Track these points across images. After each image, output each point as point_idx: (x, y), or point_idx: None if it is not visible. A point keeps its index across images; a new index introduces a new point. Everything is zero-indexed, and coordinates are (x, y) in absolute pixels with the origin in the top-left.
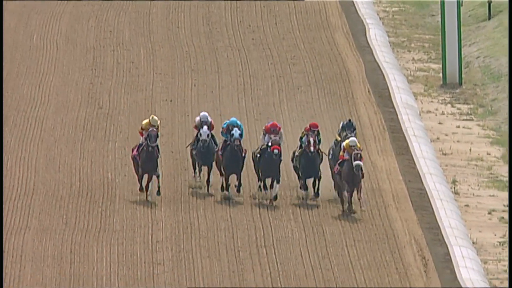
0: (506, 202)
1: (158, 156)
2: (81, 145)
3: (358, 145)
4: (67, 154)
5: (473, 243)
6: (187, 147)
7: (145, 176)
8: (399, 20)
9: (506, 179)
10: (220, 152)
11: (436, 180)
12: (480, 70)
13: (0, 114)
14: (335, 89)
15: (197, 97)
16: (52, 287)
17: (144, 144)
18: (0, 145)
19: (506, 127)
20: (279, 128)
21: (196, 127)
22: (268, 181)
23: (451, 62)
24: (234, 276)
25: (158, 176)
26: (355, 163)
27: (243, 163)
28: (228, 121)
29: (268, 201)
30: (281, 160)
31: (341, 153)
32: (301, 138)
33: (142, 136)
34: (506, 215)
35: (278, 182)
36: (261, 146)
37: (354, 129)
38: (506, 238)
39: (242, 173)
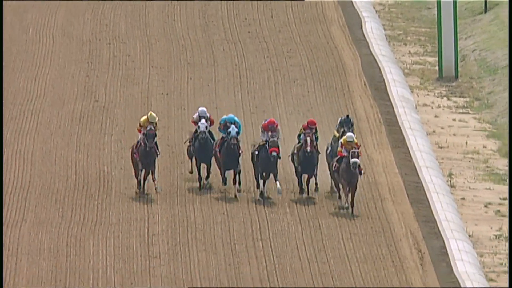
0: (502, 195)
1: (158, 154)
2: (77, 138)
3: (355, 140)
4: (63, 147)
5: (469, 236)
6: (185, 142)
7: (143, 172)
8: (395, 13)
9: (502, 172)
10: (217, 149)
11: (432, 173)
12: (476, 63)
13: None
14: (331, 82)
15: (193, 91)
16: (48, 280)
17: (142, 143)
18: (0, 139)
19: (502, 120)
20: (277, 125)
21: (194, 122)
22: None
23: (447, 55)
24: (230, 269)
25: (153, 172)
26: (352, 160)
27: (239, 159)
28: (225, 116)
29: (267, 198)
30: (279, 157)
31: (339, 149)
32: (299, 135)
33: (140, 133)
34: (502, 208)
35: (275, 178)
36: (259, 143)
37: (352, 124)
38: (502, 231)
39: (240, 170)
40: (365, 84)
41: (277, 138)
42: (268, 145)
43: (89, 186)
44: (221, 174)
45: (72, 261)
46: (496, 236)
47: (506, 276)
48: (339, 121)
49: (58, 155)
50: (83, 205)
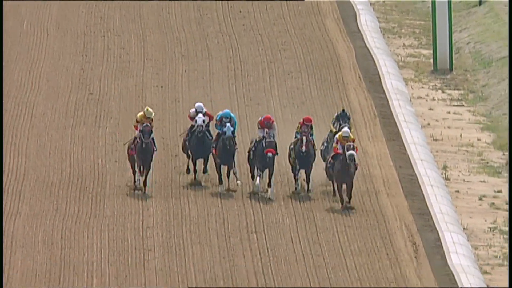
0: (497, 188)
1: (155, 150)
2: (71, 131)
3: (351, 136)
4: (57, 140)
5: (464, 228)
6: (180, 135)
7: (140, 169)
8: (389, 5)
9: (497, 164)
10: (213, 145)
11: (426, 166)
12: (470, 56)
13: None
14: (325, 75)
15: (187, 83)
16: (42, 273)
17: (138, 139)
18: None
19: (496, 113)
20: (273, 121)
21: (191, 117)
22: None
23: (442, 48)
24: (225, 261)
25: (148, 170)
26: (348, 153)
27: (234, 155)
28: (221, 112)
29: (264, 193)
30: (277, 154)
31: (334, 145)
32: (296, 132)
33: (136, 129)
34: (496, 201)
35: (270, 183)
36: (255, 139)
37: (349, 118)
38: (497, 224)
39: (235, 166)
40: (359, 77)
41: (274, 136)
42: (265, 144)
43: (84, 179)
44: (217, 172)
45: (66, 254)
46: (490, 229)
47: (501, 269)
48: (335, 115)
49: (52, 148)
50: (78, 198)
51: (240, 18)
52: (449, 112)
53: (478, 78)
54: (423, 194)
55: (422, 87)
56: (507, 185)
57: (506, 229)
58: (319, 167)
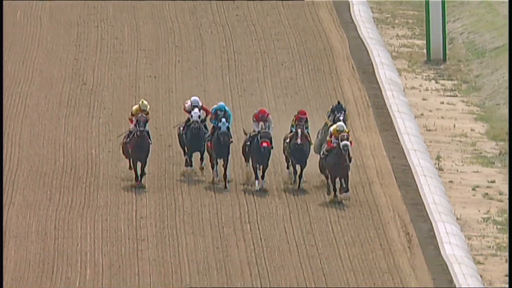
0: (490, 178)
1: (150, 143)
2: (65, 121)
3: (346, 130)
4: (51, 130)
5: (457, 219)
6: (174, 127)
7: (138, 164)
8: None
9: (490, 155)
10: (208, 138)
11: (420, 156)
12: (464, 46)
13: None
14: (319, 65)
15: (181, 73)
16: (36, 263)
17: (134, 131)
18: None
19: (490, 103)
20: (268, 115)
21: (187, 111)
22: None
23: (435, 38)
24: (218, 252)
25: (145, 164)
26: (342, 143)
27: (228, 150)
28: (216, 106)
29: (259, 188)
30: (270, 150)
31: (328, 138)
32: (292, 126)
33: (132, 123)
34: (490, 191)
35: (263, 175)
36: (250, 133)
37: (345, 111)
38: (490, 214)
39: (229, 160)
40: (353, 67)
41: (269, 129)
42: (260, 137)
43: (77, 169)
44: (212, 167)
45: (60, 244)
46: (484, 219)
47: (494, 259)
48: (330, 108)
49: (46, 138)
50: (71, 188)
51: (233, 9)
52: (442, 103)
53: (472, 68)
54: (416, 185)
55: (416, 77)
56: (500, 175)
57: (500, 219)
58: (312, 159)
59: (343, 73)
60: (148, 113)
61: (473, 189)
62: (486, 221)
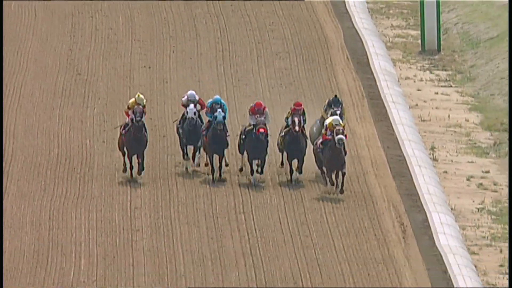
0: (485, 169)
1: (146, 135)
2: (59, 111)
3: (342, 124)
4: (45, 121)
5: (452, 209)
6: (174, 122)
7: (134, 157)
8: None
9: (485, 145)
10: (204, 133)
11: (414, 146)
12: (458, 36)
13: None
14: (313, 56)
15: (175, 64)
16: (30, 253)
17: (130, 122)
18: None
19: (484, 93)
20: (264, 108)
21: (183, 105)
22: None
23: (430, 28)
24: (213, 242)
25: (143, 158)
26: (337, 137)
27: (227, 144)
28: (211, 100)
29: (256, 183)
30: (267, 141)
31: (323, 131)
32: (286, 118)
33: (128, 117)
34: (484, 182)
35: (262, 170)
36: (246, 127)
37: (341, 104)
38: (485, 205)
39: (225, 154)
40: (347, 58)
41: (266, 119)
42: (255, 125)
43: (72, 159)
44: (209, 163)
45: (54, 234)
46: (478, 209)
47: (488, 249)
48: (327, 101)
49: (40, 128)
50: (66, 178)
51: None
52: (437, 93)
53: (466, 58)
54: (411, 175)
55: (410, 68)
56: (494, 166)
57: (494, 209)
58: (308, 154)
59: (338, 64)
60: (144, 106)
61: (468, 180)
62: (481, 211)
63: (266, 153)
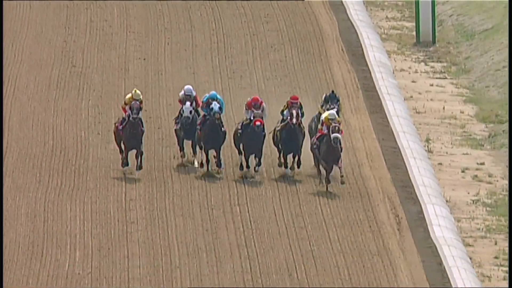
0: (479, 161)
1: (143, 131)
2: (54, 103)
3: (338, 118)
4: (40, 112)
5: (447, 201)
6: (173, 119)
7: (131, 152)
8: None
9: (479, 137)
10: (199, 127)
11: (409, 138)
12: (453, 28)
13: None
14: (308, 48)
15: (170, 56)
16: (25, 245)
17: (127, 118)
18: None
19: (479, 85)
20: (261, 103)
21: (180, 101)
22: (251, 160)
23: (425, 20)
24: (208, 234)
25: (142, 154)
26: (333, 135)
27: (224, 138)
28: (207, 95)
29: (250, 178)
30: (264, 135)
31: (319, 126)
32: (282, 111)
33: (125, 112)
34: (479, 173)
35: (259, 163)
36: (243, 121)
37: (338, 100)
38: (479, 197)
39: (222, 148)
40: (342, 50)
41: (263, 113)
42: (253, 118)
43: (67, 151)
44: (205, 161)
45: (49, 226)
46: (473, 201)
47: (483, 241)
48: (323, 97)
49: (35, 120)
50: (61, 170)
51: None
52: (432, 85)
53: (461, 50)
54: (406, 167)
55: (405, 60)
56: (489, 158)
57: (489, 201)
58: (305, 149)
59: (333, 56)
60: (141, 102)
61: (463, 171)
62: (476, 203)
63: (262, 148)
